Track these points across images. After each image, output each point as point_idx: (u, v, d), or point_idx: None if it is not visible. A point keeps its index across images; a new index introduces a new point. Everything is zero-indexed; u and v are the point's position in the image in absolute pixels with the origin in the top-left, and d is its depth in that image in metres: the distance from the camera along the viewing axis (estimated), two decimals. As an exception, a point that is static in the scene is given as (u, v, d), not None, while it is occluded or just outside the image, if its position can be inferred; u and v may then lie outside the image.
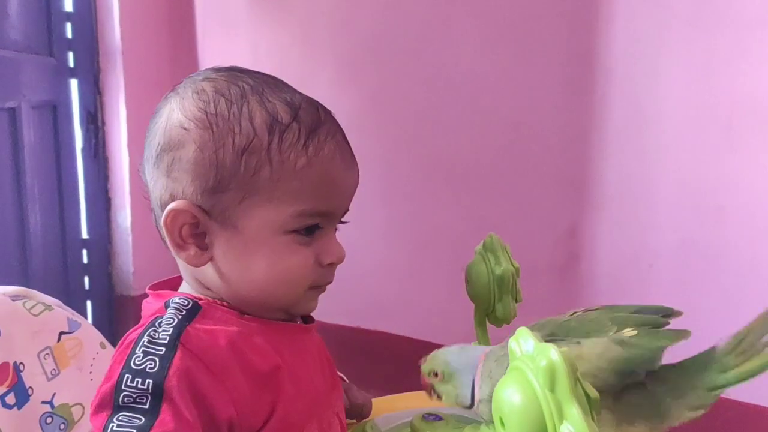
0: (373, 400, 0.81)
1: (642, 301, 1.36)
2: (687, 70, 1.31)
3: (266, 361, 0.53)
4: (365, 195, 1.68)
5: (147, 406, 0.47)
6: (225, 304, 0.56)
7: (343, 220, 0.60)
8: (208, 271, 0.55)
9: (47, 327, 0.69)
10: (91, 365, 0.71)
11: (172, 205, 0.53)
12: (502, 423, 0.43)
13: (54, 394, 0.55)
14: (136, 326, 0.53)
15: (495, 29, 1.47)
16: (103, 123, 1.67)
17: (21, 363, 0.65)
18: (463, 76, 1.51)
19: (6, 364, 0.64)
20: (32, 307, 0.68)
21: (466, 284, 0.77)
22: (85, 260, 1.76)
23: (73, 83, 1.64)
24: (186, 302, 0.54)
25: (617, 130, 1.40)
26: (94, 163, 1.70)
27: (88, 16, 1.62)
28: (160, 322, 0.52)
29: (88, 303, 1.78)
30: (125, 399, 0.48)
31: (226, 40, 1.74)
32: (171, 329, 0.51)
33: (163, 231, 0.55)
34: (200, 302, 0.55)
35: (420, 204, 1.58)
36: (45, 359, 0.68)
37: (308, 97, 0.59)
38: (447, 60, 1.52)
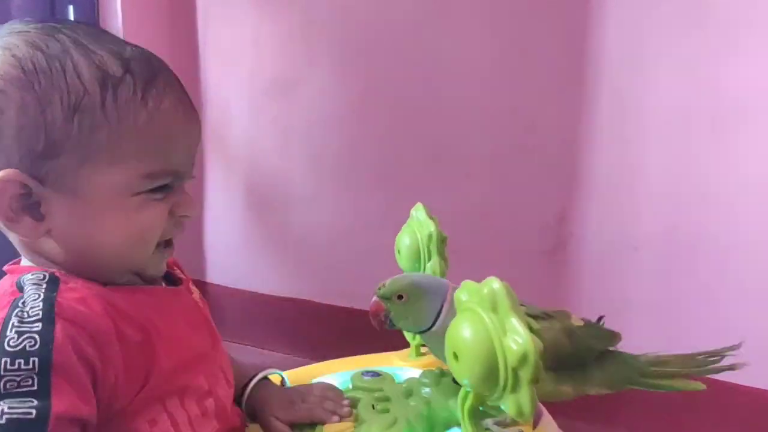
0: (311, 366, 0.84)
1: (627, 285, 1.40)
2: (673, 65, 1.34)
3: (135, 329, 0.51)
4: (364, 180, 1.72)
5: (35, 387, 0.43)
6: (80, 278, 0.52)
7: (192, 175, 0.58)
8: (47, 243, 0.52)
9: None
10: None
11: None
12: (456, 357, 0.47)
13: None
14: None
15: (491, 21, 1.51)
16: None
17: None
18: (459, 66, 1.55)
19: None
20: None
21: (397, 255, 0.81)
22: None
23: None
24: (42, 275, 0.50)
25: (605, 121, 1.43)
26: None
27: (89, 1, 1.64)
28: (24, 301, 0.48)
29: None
30: (8, 385, 0.43)
31: (227, 28, 1.77)
32: (41, 303, 0.47)
33: None
34: (56, 274, 0.51)
35: (415, 189, 1.61)
36: None
37: (137, 46, 0.54)
38: (443, 50, 1.56)
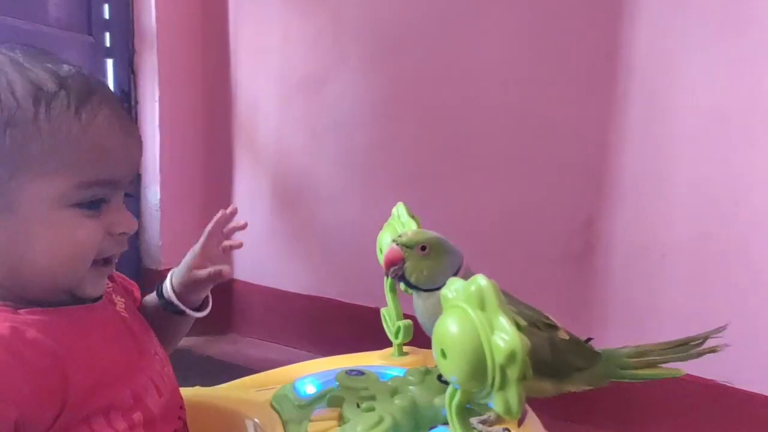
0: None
1: (654, 292, 1.37)
2: (707, 68, 1.30)
3: (42, 356, 0.49)
4: (390, 179, 1.72)
5: None
6: None
7: (128, 192, 0.57)
8: None
9: None
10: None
11: None
12: (444, 354, 0.46)
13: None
14: None
15: (521, 20, 1.49)
16: (137, 102, 1.74)
17: None
18: (487, 66, 1.53)
19: None
20: None
21: (378, 253, 0.80)
22: (115, 234, 1.82)
23: (109, 63, 1.71)
24: None
25: (636, 125, 1.40)
26: (127, 141, 1.76)
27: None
28: None
29: (116, 275, 1.84)
30: None
31: (257, 26, 1.79)
32: None
33: None
34: None
35: (440, 190, 1.60)
36: None
37: (77, 66, 0.54)
38: (472, 50, 1.55)
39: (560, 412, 0.74)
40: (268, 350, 1.75)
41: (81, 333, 0.54)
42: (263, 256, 1.87)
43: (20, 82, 0.50)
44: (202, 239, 0.72)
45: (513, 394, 0.43)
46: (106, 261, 0.56)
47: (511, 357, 0.42)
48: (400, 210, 0.80)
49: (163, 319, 0.71)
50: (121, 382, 0.55)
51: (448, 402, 0.48)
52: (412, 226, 0.77)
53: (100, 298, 0.58)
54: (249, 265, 1.91)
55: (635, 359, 0.73)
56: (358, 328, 1.81)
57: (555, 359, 0.65)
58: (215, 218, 0.74)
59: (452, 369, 0.46)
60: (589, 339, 0.75)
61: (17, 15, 1.40)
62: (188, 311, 0.71)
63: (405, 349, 0.88)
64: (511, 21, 1.50)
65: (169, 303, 0.71)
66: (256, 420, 0.71)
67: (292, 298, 1.81)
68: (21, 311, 0.52)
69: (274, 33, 1.74)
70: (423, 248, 0.66)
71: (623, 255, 1.43)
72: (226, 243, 0.75)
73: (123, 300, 0.64)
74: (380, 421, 0.60)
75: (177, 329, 0.73)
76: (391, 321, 0.83)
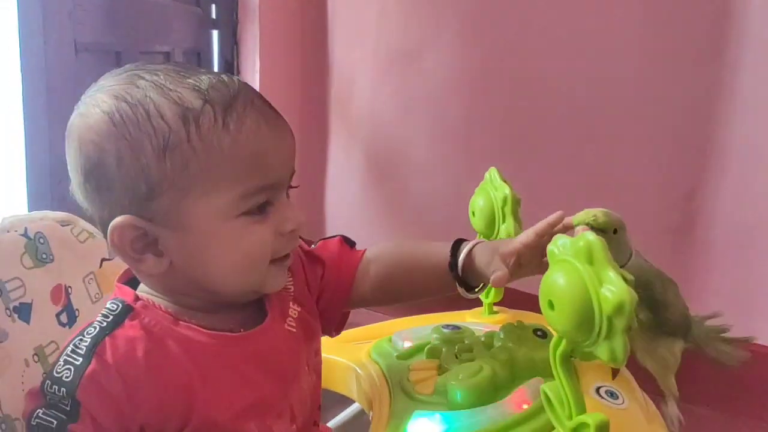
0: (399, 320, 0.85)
1: (755, 270, 1.32)
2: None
3: (179, 374, 0.53)
4: (483, 151, 1.71)
5: (69, 409, 0.50)
6: (161, 306, 0.55)
7: (292, 184, 0.58)
8: (173, 275, 0.55)
9: (91, 253, 0.71)
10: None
11: (113, 223, 0.52)
12: (551, 306, 0.48)
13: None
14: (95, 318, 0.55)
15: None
16: (239, 72, 1.80)
17: (70, 286, 0.69)
18: (587, 37, 1.50)
19: (60, 285, 0.68)
20: (78, 234, 0.71)
21: (471, 217, 0.81)
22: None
23: (215, 34, 1.77)
24: (115, 306, 0.55)
25: (746, 96, 1.34)
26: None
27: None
28: (87, 330, 0.53)
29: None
30: (50, 400, 0.51)
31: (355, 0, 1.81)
32: (89, 339, 0.52)
33: (115, 251, 0.54)
34: (135, 304, 0.55)
35: (535, 160, 1.59)
36: (89, 283, 0.71)
37: (215, 72, 0.56)
38: (571, 21, 1.52)
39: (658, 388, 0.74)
40: (358, 315, 1.80)
41: (225, 363, 0.55)
42: (357, 227, 1.91)
43: (167, 105, 0.52)
44: (526, 237, 0.61)
45: (619, 344, 0.44)
46: (284, 257, 0.58)
47: (619, 308, 0.44)
48: (492, 174, 0.81)
49: (432, 274, 0.66)
50: (249, 416, 0.56)
51: (552, 351, 0.50)
52: (505, 190, 0.78)
53: (262, 317, 0.59)
54: (344, 233, 1.96)
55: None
56: (446, 298, 1.83)
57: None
58: (549, 219, 0.62)
59: (560, 320, 0.47)
60: None
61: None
62: (467, 294, 0.65)
63: (495, 308, 0.90)
64: (612, -11, 1.46)
65: (459, 274, 0.64)
66: (358, 369, 0.75)
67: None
68: (181, 324, 0.55)
69: (372, 6, 1.76)
70: (615, 231, 0.66)
71: (726, 230, 1.39)
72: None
73: (298, 309, 0.63)
74: (480, 369, 0.62)
75: (436, 288, 0.67)
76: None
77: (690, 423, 0.72)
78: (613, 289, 0.44)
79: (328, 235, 0.72)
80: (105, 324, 0.53)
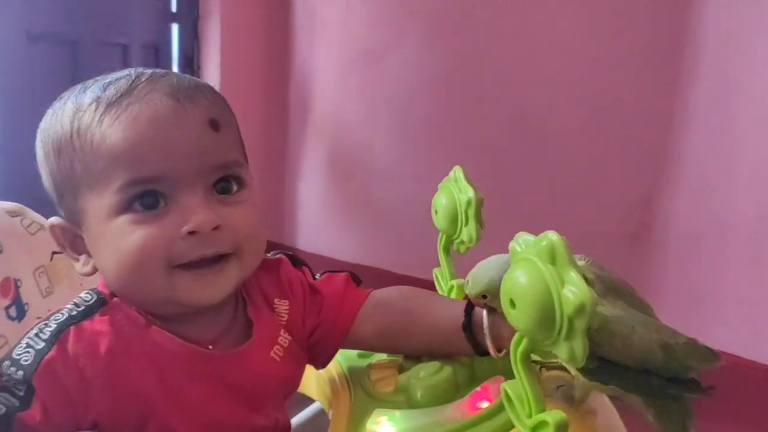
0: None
1: (712, 274, 1.35)
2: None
3: (139, 384, 0.51)
4: (447, 151, 1.73)
5: (22, 394, 0.48)
6: (136, 308, 0.53)
7: (245, 180, 0.55)
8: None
9: (41, 245, 0.69)
10: (81, 284, 0.68)
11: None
12: (513, 305, 0.48)
13: (49, 310, 0.53)
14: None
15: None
16: (199, 67, 1.77)
17: (19, 279, 0.67)
18: (548, 39, 1.52)
19: (8, 278, 0.66)
20: (29, 225, 0.69)
21: (434, 215, 0.80)
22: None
23: (175, 27, 1.74)
24: (89, 297, 0.53)
25: (702, 104, 1.38)
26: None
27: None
28: (55, 316, 0.52)
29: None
30: (6, 382, 0.49)
31: (320, -1, 1.80)
32: (55, 325, 0.51)
33: (60, 249, 0.56)
34: (111, 299, 0.54)
35: (498, 163, 1.60)
36: (39, 277, 0.69)
37: (139, 69, 0.54)
38: (533, 23, 1.54)
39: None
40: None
41: (193, 376, 0.54)
42: (318, 225, 1.90)
43: (70, 108, 0.52)
44: None
45: (578, 344, 0.45)
46: (195, 264, 0.52)
47: (580, 309, 0.44)
48: (457, 174, 0.80)
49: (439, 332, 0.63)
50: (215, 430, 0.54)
51: (513, 349, 0.50)
52: (469, 192, 0.78)
53: (245, 338, 0.57)
54: (304, 234, 1.95)
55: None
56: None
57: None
58: None
59: (521, 318, 0.47)
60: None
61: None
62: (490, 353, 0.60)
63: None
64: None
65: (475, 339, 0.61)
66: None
67: (344, 268, 1.85)
68: (153, 328, 0.53)
69: (336, 4, 1.75)
70: (485, 297, 0.60)
71: (681, 235, 1.42)
72: None
73: (289, 338, 0.61)
74: (440, 368, 0.62)
75: (438, 346, 0.64)
76: (444, 281, 0.84)
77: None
78: (574, 290, 0.44)
79: (290, 231, 0.70)
80: (75, 313, 0.52)
